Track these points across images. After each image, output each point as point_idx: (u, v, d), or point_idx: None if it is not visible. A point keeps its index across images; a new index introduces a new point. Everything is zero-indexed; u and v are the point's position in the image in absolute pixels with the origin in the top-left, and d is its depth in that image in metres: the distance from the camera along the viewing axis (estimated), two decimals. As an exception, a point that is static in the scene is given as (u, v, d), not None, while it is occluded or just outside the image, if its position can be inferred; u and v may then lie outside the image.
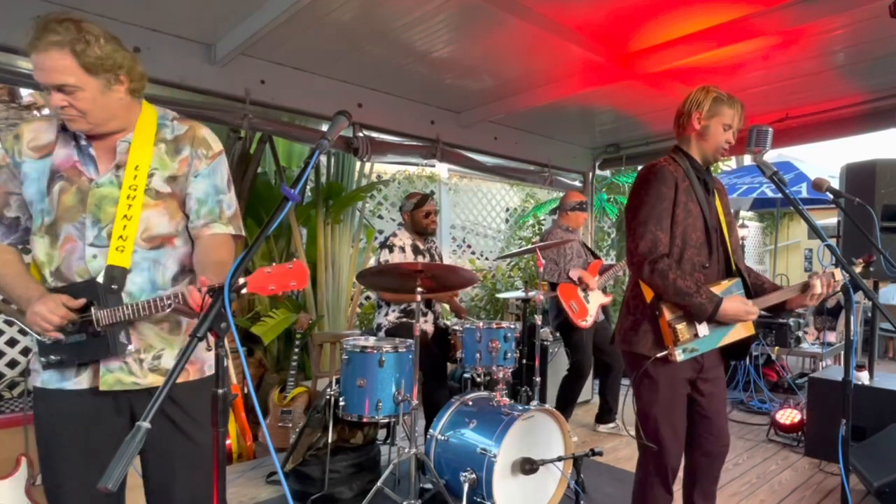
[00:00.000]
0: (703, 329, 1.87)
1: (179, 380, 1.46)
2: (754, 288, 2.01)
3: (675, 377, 1.94)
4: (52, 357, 1.43)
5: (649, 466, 2.01)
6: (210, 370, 1.58)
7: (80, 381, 1.45)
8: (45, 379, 1.46)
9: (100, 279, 1.40)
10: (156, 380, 1.49)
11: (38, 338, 1.43)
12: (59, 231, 1.42)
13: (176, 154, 1.52)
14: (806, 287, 1.87)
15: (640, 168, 2.07)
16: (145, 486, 1.56)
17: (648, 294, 1.93)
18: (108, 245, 1.41)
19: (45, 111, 4.17)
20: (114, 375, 1.45)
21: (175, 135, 1.53)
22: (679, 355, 1.85)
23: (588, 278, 3.84)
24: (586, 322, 3.80)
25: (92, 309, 1.39)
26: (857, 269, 1.92)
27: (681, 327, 1.86)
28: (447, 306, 3.73)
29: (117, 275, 1.41)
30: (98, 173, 1.44)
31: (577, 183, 5.46)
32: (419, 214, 3.33)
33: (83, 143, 1.44)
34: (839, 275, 1.82)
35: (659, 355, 1.87)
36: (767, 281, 2.07)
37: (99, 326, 1.39)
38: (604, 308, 4.03)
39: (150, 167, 1.47)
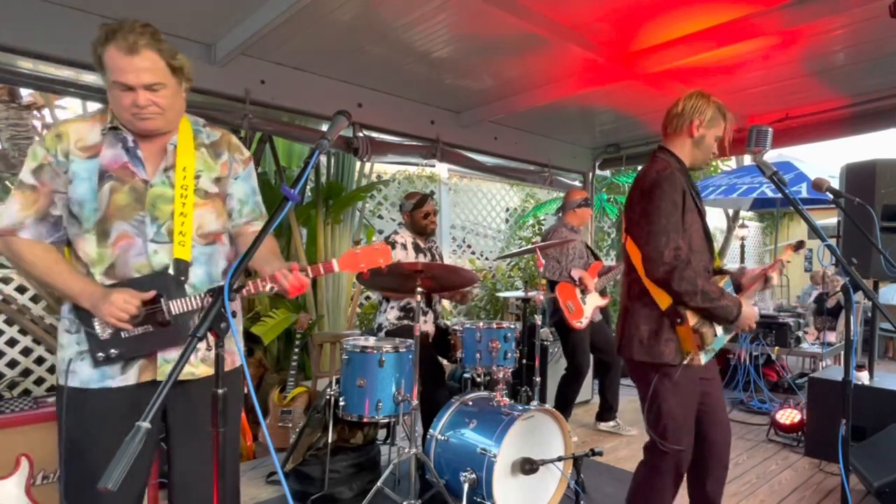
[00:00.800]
0: (719, 330, 1.93)
1: (209, 373, 1.55)
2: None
3: (693, 379, 1.97)
4: (112, 351, 1.45)
5: (667, 467, 2.00)
6: (234, 363, 1.65)
7: (126, 378, 1.48)
8: (85, 379, 1.46)
9: (170, 272, 1.49)
10: (206, 370, 1.56)
11: (96, 332, 1.44)
12: (110, 229, 1.47)
13: (217, 158, 1.64)
14: (766, 280, 2.06)
15: (641, 168, 2.06)
16: (169, 480, 1.58)
17: (664, 301, 1.92)
18: (169, 241, 1.51)
19: (45, 111, 4.17)
20: (171, 365, 1.46)
21: (211, 140, 1.65)
22: (702, 358, 1.90)
23: (588, 279, 3.84)
24: (581, 323, 3.79)
25: (161, 300, 1.45)
26: (788, 254, 2.20)
27: (706, 331, 1.89)
28: (447, 305, 3.73)
29: (182, 268, 1.52)
30: (148, 174, 1.52)
31: (577, 183, 5.46)
32: (418, 215, 3.33)
33: (131, 145, 1.50)
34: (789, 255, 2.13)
35: (685, 362, 1.91)
36: (731, 273, 2.15)
37: (169, 316, 1.46)
38: (602, 309, 4.03)
39: (195, 169, 1.57)
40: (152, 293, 1.44)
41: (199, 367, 1.56)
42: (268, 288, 1.46)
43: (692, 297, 1.84)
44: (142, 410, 1.39)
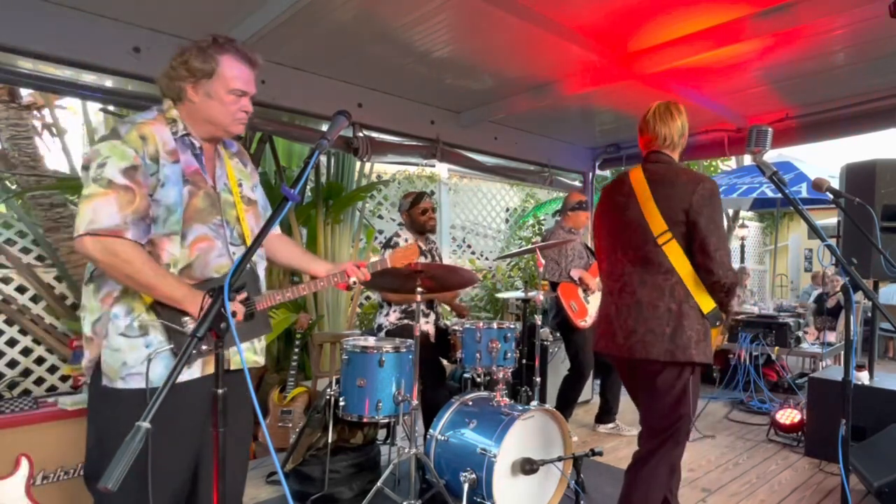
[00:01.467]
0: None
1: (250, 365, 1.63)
2: None
3: None
4: (203, 347, 1.47)
5: (680, 452, 2.09)
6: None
7: (192, 372, 1.52)
8: (154, 379, 1.45)
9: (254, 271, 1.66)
10: (260, 360, 1.71)
11: (185, 330, 1.48)
12: (188, 231, 1.53)
13: (245, 167, 1.78)
14: None
15: (680, 171, 2.07)
16: (199, 476, 1.60)
17: (707, 305, 1.99)
18: (242, 244, 1.64)
19: (45, 111, 4.17)
20: (238, 356, 1.56)
21: (235, 150, 1.77)
22: None
23: (589, 279, 3.84)
24: (585, 322, 3.80)
25: (249, 297, 1.56)
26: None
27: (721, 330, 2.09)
28: (448, 306, 3.74)
29: (254, 268, 1.68)
30: (210, 180, 1.61)
31: (576, 183, 5.46)
32: (416, 212, 3.32)
33: (198, 152, 1.59)
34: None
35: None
36: None
37: (255, 311, 1.57)
38: None
39: (236, 177, 1.68)
40: (244, 294, 1.55)
41: (255, 355, 1.69)
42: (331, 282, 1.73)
43: (731, 304, 2.04)
44: (204, 395, 1.41)
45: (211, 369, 1.51)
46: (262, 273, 1.72)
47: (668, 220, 1.99)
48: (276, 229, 1.84)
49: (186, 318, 1.49)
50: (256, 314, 1.59)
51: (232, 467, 1.54)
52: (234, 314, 1.44)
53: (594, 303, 3.86)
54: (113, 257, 1.41)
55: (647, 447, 2.09)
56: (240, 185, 1.69)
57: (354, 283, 1.74)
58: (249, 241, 1.63)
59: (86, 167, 1.45)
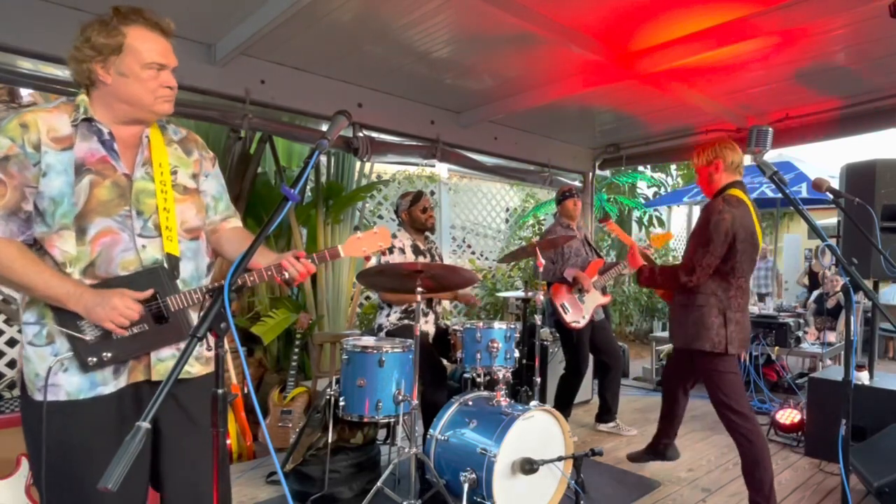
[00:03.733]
0: None
1: (204, 371, 1.53)
2: None
3: None
4: (105, 354, 1.36)
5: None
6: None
7: (118, 382, 1.40)
8: (73, 390, 1.35)
9: (165, 266, 1.44)
10: (201, 369, 1.54)
11: (83, 336, 1.35)
12: (88, 225, 1.37)
13: (188, 155, 1.60)
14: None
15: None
16: (165, 486, 1.50)
17: None
18: (157, 235, 1.45)
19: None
20: (165, 364, 1.44)
21: (179, 137, 1.61)
22: None
23: (583, 278, 3.77)
24: (578, 323, 3.75)
25: (157, 296, 1.40)
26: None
27: None
28: (447, 306, 3.73)
29: (174, 263, 1.47)
30: (126, 168, 1.45)
31: (577, 183, 5.46)
32: (417, 211, 3.31)
33: (107, 137, 1.42)
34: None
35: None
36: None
37: (167, 313, 1.41)
38: (604, 307, 4.00)
39: (170, 165, 1.53)
40: (150, 291, 1.39)
41: (194, 365, 1.52)
42: (266, 276, 1.49)
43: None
44: (139, 412, 1.30)
45: (139, 377, 1.42)
46: (190, 271, 1.52)
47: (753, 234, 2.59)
48: (236, 222, 1.73)
49: (83, 323, 1.35)
50: (173, 317, 1.42)
51: (204, 468, 1.41)
52: (139, 318, 1.35)
53: (590, 302, 3.80)
54: None
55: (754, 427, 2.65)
56: (174, 172, 1.52)
57: (291, 278, 1.52)
58: (172, 233, 1.47)
59: None
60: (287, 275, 1.50)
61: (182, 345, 1.45)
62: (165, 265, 1.44)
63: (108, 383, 1.40)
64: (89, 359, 1.35)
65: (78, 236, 1.37)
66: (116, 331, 1.34)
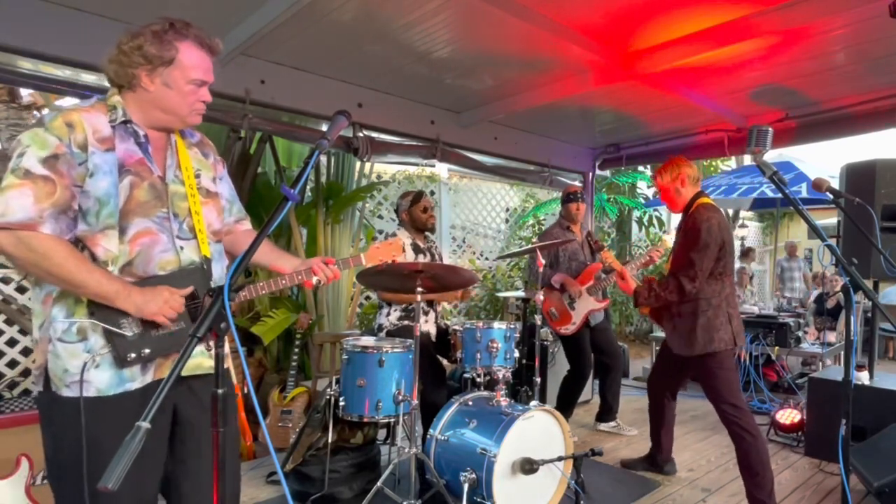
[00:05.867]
0: None
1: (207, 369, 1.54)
2: None
3: None
4: (145, 350, 1.41)
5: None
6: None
7: (145, 378, 1.44)
8: (102, 386, 1.37)
9: (204, 268, 1.52)
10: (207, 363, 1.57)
11: (123, 333, 1.38)
12: (128, 225, 1.42)
13: (206, 158, 1.67)
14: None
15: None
16: (184, 475, 1.53)
17: None
18: (192, 237, 1.52)
19: (45, 111, 4.17)
20: (193, 360, 1.47)
21: (196, 140, 1.67)
22: None
23: (571, 285, 3.70)
24: (568, 329, 3.70)
25: (196, 295, 1.47)
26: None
27: None
28: (447, 306, 3.72)
29: (208, 264, 1.55)
30: (158, 170, 1.51)
31: (576, 183, 5.46)
32: (417, 210, 3.31)
33: (143, 140, 1.48)
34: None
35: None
36: None
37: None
38: (605, 309, 3.98)
39: (193, 168, 1.59)
40: (190, 288, 1.46)
41: (209, 359, 1.54)
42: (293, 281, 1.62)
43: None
44: (164, 406, 1.28)
45: (164, 373, 1.42)
46: (218, 272, 1.59)
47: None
48: (248, 224, 1.84)
49: (124, 320, 1.39)
50: None
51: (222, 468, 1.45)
52: (173, 317, 1.40)
53: (581, 308, 3.71)
54: (29, 252, 1.30)
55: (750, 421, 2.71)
56: (197, 175, 1.58)
57: (319, 282, 1.64)
58: (204, 235, 1.54)
59: (7, 158, 1.35)
60: (316, 280, 1.61)
61: (212, 342, 1.48)
62: (203, 266, 1.52)
63: (136, 379, 1.43)
64: (129, 354, 1.40)
65: (119, 236, 1.42)
66: (167, 324, 1.41)
